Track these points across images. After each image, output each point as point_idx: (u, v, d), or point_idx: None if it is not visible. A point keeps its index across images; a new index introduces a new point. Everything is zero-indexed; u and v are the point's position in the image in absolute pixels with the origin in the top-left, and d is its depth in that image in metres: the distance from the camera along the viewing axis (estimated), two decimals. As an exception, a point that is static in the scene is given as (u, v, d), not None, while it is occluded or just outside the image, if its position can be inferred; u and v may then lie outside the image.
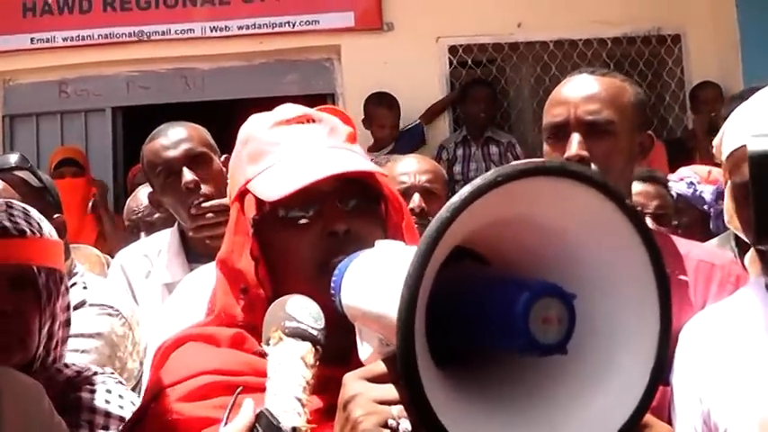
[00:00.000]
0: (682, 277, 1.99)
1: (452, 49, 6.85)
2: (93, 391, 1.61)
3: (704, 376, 1.74)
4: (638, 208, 2.98)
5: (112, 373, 1.70)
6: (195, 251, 2.64)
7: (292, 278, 1.32)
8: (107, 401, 1.67)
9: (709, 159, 4.76)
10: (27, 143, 6.81)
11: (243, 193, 1.41)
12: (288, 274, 1.34)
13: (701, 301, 1.98)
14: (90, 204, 5.80)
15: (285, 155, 1.38)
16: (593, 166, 1.96)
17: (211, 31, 6.74)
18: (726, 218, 1.85)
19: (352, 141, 1.45)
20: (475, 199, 0.96)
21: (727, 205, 1.81)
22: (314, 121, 1.43)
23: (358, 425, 1.02)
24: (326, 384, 1.19)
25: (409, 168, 2.85)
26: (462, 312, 1.04)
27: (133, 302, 2.59)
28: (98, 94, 6.91)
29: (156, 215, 3.34)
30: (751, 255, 2.09)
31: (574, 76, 2.09)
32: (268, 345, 1.17)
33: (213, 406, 1.24)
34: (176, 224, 2.79)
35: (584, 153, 1.95)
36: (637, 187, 3.12)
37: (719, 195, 3.44)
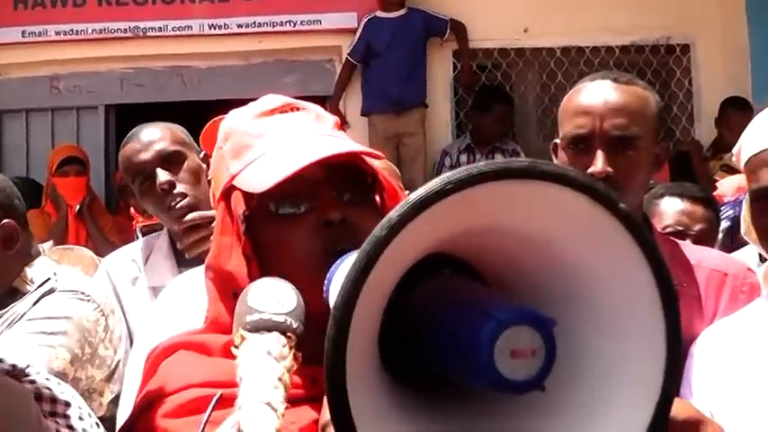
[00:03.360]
0: (691, 289, 1.95)
1: (457, 53, 6.82)
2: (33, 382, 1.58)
3: (715, 391, 1.72)
4: (680, 228, 2.92)
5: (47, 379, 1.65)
6: (185, 255, 2.55)
7: (290, 273, 1.24)
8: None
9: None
10: (16, 140, 6.83)
11: (228, 191, 1.37)
12: (284, 269, 1.27)
13: (711, 312, 1.95)
14: (77, 209, 5.73)
15: (270, 145, 1.34)
16: (615, 181, 1.91)
17: (210, 28, 6.73)
18: (743, 228, 1.87)
19: (339, 129, 1.43)
20: (419, 212, 0.86)
21: (745, 215, 1.81)
22: (298, 109, 1.41)
23: None
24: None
25: None
26: (431, 336, 0.96)
27: (108, 292, 2.55)
28: (91, 91, 6.89)
29: None
30: (765, 269, 2.12)
31: (595, 81, 2.02)
32: (237, 349, 1.10)
33: (208, 422, 1.19)
34: (165, 227, 2.73)
35: (610, 170, 1.91)
36: (681, 205, 3.10)
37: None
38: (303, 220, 1.30)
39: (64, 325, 2.19)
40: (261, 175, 1.30)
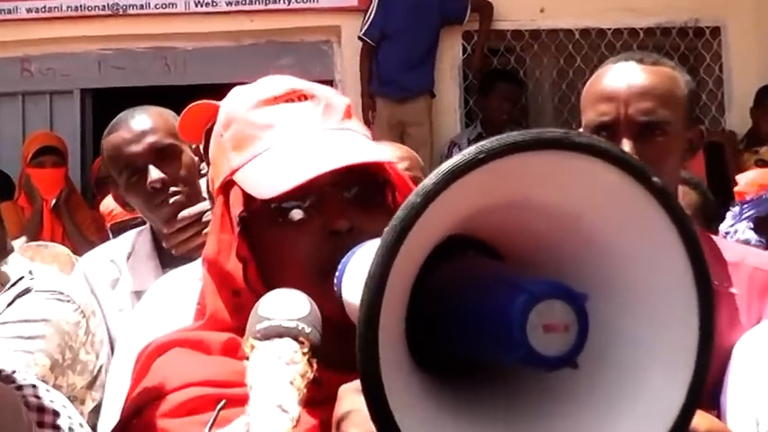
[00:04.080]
0: (732, 289, 1.96)
1: (466, 35, 6.81)
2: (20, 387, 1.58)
3: (761, 397, 1.73)
4: None
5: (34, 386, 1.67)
6: (170, 254, 2.52)
7: (291, 282, 1.25)
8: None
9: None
10: (-16, 126, 6.86)
11: (227, 183, 1.37)
12: (284, 277, 1.30)
13: (756, 314, 1.94)
14: (52, 203, 5.72)
15: (275, 141, 1.34)
16: None
17: (196, 6, 6.73)
18: None
19: (350, 117, 1.41)
20: (452, 181, 0.90)
21: None
22: (305, 97, 1.39)
23: None
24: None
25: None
26: (458, 316, 1.00)
27: (88, 292, 2.54)
28: (65, 74, 6.90)
29: None
30: None
31: (619, 63, 2.02)
32: (248, 360, 1.14)
33: (203, 422, 1.19)
34: (148, 224, 2.72)
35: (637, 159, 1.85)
36: None
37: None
38: (307, 227, 1.31)
39: (42, 328, 2.18)
40: (265, 178, 1.30)
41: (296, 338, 1.12)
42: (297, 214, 1.31)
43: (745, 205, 3.81)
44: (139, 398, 1.34)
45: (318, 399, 1.19)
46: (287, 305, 1.15)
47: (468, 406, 1.04)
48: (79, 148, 6.81)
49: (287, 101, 1.37)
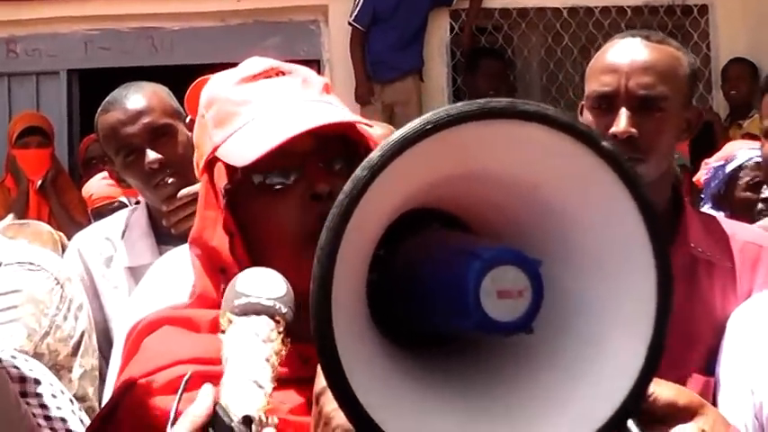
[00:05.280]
0: (725, 263, 2.01)
1: (454, 14, 6.81)
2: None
3: (756, 368, 1.75)
4: None
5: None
6: (166, 232, 2.53)
7: (276, 251, 1.32)
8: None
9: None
10: (-30, 108, 6.79)
11: (211, 161, 1.40)
12: (270, 247, 1.34)
13: (747, 286, 1.98)
14: (38, 184, 5.71)
15: (255, 114, 1.37)
16: (639, 144, 1.96)
17: None
18: None
19: (328, 92, 1.44)
20: (398, 153, 0.91)
21: None
22: (283, 73, 1.42)
23: (331, 420, 1.05)
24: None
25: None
26: (417, 287, 1.02)
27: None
28: (52, 55, 6.86)
29: None
30: None
31: (625, 38, 2.07)
32: (223, 333, 1.16)
33: (192, 399, 1.19)
34: (143, 201, 2.73)
35: (633, 130, 1.94)
36: None
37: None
38: (289, 194, 1.32)
39: (14, 299, 2.16)
40: (244, 147, 1.32)
41: (272, 317, 1.14)
42: (279, 184, 1.33)
43: (704, 189, 3.92)
44: (130, 376, 1.35)
45: (306, 377, 1.22)
46: (265, 284, 1.16)
47: (432, 375, 1.06)
48: (66, 128, 6.79)
49: (266, 77, 1.40)
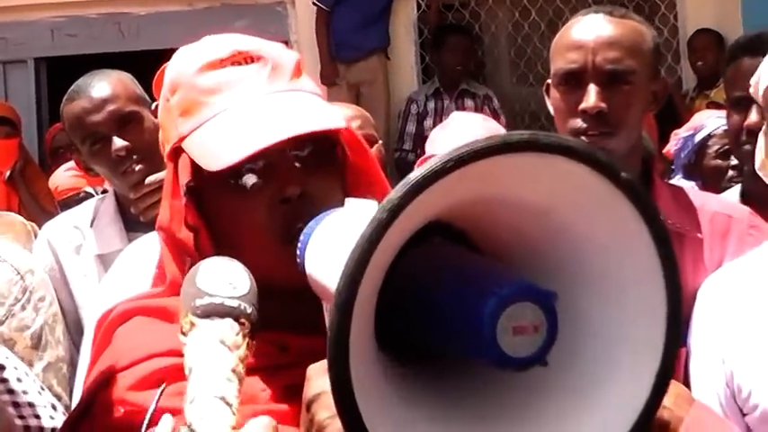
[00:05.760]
0: (695, 234, 2.03)
1: None
2: None
3: (726, 337, 1.77)
4: None
5: None
6: (134, 219, 2.55)
7: (246, 250, 1.26)
8: None
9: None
10: (-63, 99, 6.72)
11: (177, 149, 1.35)
12: (240, 245, 1.28)
13: (717, 256, 2.01)
14: (7, 175, 5.67)
15: (222, 106, 1.31)
16: (609, 118, 1.98)
17: None
18: (756, 164, 1.89)
19: (299, 75, 1.38)
20: (419, 193, 0.90)
21: (761, 149, 1.85)
22: (252, 59, 1.35)
23: (323, 429, 1.01)
24: (305, 357, 1.13)
25: None
26: (427, 311, 1.00)
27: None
28: (19, 44, 6.87)
29: None
30: None
31: (588, 15, 2.08)
32: (185, 336, 1.09)
33: (170, 393, 1.17)
34: (111, 189, 2.74)
35: (603, 105, 1.96)
36: None
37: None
38: (258, 193, 1.29)
39: None
40: (213, 148, 1.28)
41: (237, 319, 1.08)
42: (249, 179, 1.29)
43: (674, 160, 3.95)
44: (104, 370, 1.32)
45: (284, 363, 1.23)
46: (228, 279, 1.11)
47: (435, 393, 1.04)
48: (35, 117, 6.78)
49: (233, 63, 1.34)
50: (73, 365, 2.37)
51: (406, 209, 0.90)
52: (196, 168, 1.31)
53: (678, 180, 3.83)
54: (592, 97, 1.96)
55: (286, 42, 6.69)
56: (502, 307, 0.88)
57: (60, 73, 6.59)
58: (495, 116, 6.43)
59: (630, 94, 1.99)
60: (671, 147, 4.00)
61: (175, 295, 1.29)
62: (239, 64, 1.34)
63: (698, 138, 3.81)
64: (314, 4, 6.50)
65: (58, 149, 5.60)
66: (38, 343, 2.19)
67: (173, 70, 1.39)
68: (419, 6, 6.84)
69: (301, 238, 1.16)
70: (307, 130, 1.26)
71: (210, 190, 1.32)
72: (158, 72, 2.80)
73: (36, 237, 3.11)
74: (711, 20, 6.64)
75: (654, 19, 6.88)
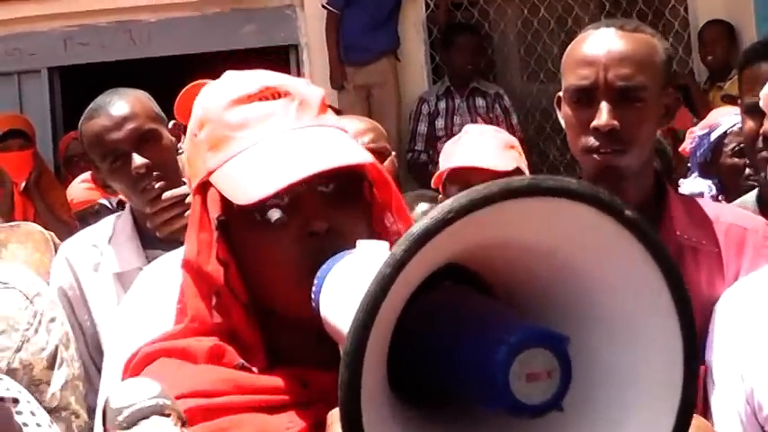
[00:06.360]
0: (710, 247, 2.01)
1: None
2: None
3: (745, 353, 1.75)
4: None
5: None
6: (151, 236, 2.58)
7: (271, 285, 1.29)
8: None
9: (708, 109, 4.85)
10: (-46, 111, 6.74)
11: (204, 184, 1.35)
12: (266, 280, 1.31)
13: (733, 269, 1.99)
14: (22, 186, 5.70)
15: (250, 141, 1.32)
16: (621, 135, 1.96)
17: None
18: None
19: (324, 110, 1.39)
20: (422, 246, 0.90)
21: None
22: (279, 95, 1.36)
23: None
24: (326, 394, 1.17)
25: (347, 131, 2.84)
26: (439, 356, 0.99)
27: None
28: (32, 54, 6.85)
29: None
30: None
31: (599, 29, 2.06)
32: None
33: None
34: (128, 206, 2.75)
35: (615, 123, 1.94)
36: None
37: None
38: (285, 229, 1.28)
39: None
40: (242, 183, 1.28)
41: (162, 413, 1.11)
42: (275, 214, 1.28)
43: (690, 158, 3.93)
44: None
45: (306, 401, 1.24)
46: (137, 389, 1.13)
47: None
48: (50, 126, 6.77)
49: (260, 99, 1.35)
50: (89, 382, 2.40)
51: (411, 261, 0.90)
52: (225, 202, 1.31)
53: (695, 179, 3.82)
54: (604, 115, 1.94)
55: (296, 46, 6.76)
56: (513, 354, 0.87)
57: (74, 81, 6.68)
58: (507, 114, 6.46)
59: (642, 110, 1.98)
60: (687, 145, 3.98)
61: (198, 333, 1.35)
62: (266, 99, 1.35)
63: (713, 136, 3.76)
64: (323, 6, 6.47)
65: (72, 158, 5.63)
66: (52, 363, 2.21)
67: (200, 106, 1.40)
68: (427, 6, 6.81)
69: (315, 281, 1.17)
70: (334, 165, 1.26)
71: (238, 224, 1.32)
72: (181, 93, 2.83)
73: (55, 245, 3.14)
74: (722, 11, 6.58)
75: (664, 12, 6.86)
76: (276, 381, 1.27)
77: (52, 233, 3.32)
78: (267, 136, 1.31)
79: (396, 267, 0.90)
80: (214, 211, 1.33)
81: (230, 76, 1.42)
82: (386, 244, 1.14)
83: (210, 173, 1.33)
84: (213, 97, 1.39)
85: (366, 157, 1.33)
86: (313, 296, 1.16)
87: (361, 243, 1.15)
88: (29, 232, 3.23)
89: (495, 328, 0.92)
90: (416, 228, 0.91)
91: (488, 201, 0.91)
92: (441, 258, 0.97)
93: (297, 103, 1.35)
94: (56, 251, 3.19)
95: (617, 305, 0.99)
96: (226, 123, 1.34)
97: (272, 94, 1.35)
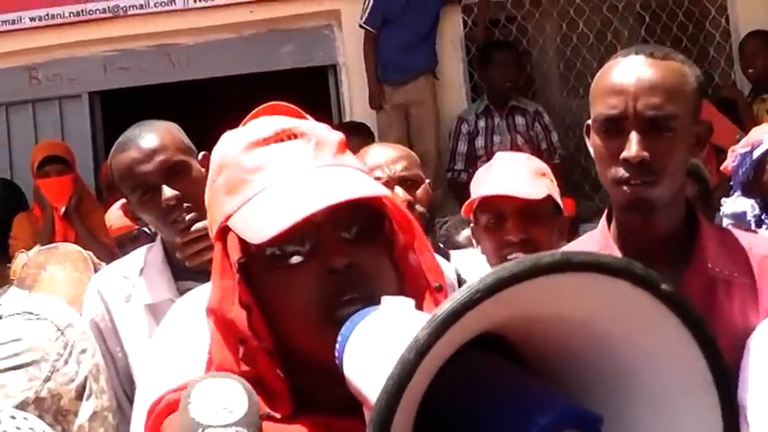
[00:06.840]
0: (742, 279, 1.97)
1: (466, 8, 6.79)
2: None
3: None
4: None
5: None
6: (182, 267, 2.59)
7: (294, 327, 1.27)
8: None
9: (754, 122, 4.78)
10: (-3, 136, 6.83)
11: (224, 229, 1.35)
12: (288, 322, 1.29)
13: (767, 302, 1.94)
14: (62, 210, 5.76)
15: (266, 182, 1.31)
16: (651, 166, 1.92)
17: (195, 1, 6.73)
18: None
19: (343, 151, 1.37)
20: (447, 328, 0.88)
21: None
22: (296, 135, 1.35)
23: None
24: None
25: (380, 159, 2.79)
26: (472, 427, 0.97)
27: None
28: (72, 79, 6.91)
29: None
30: None
31: (629, 56, 2.01)
32: None
33: None
34: (159, 238, 2.76)
35: (645, 154, 1.91)
36: None
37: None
38: (305, 268, 1.28)
39: (14, 347, 2.21)
40: (257, 222, 1.28)
41: None
42: (295, 259, 1.28)
43: (732, 177, 3.86)
44: None
45: None
46: (222, 403, 1.11)
47: None
48: (91, 150, 6.83)
49: (277, 141, 1.35)
50: (121, 413, 2.44)
51: (436, 344, 0.88)
52: (244, 245, 1.31)
53: (737, 198, 3.76)
54: (634, 146, 1.91)
55: (334, 66, 6.78)
56: None
57: (114, 105, 6.75)
58: (547, 132, 6.42)
59: (673, 140, 1.94)
60: (728, 163, 3.93)
61: None
62: (282, 140, 1.35)
63: (756, 154, 3.73)
64: (361, 26, 6.47)
65: (114, 182, 5.65)
66: (81, 393, 2.26)
67: (218, 153, 1.40)
68: (465, 23, 6.79)
69: (339, 339, 1.14)
70: (348, 197, 1.25)
71: (258, 266, 1.31)
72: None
73: (94, 264, 3.16)
74: (764, 20, 6.51)
75: (705, 23, 6.82)
76: (301, 430, 1.25)
77: (90, 252, 3.34)
78: (283, 176, 1.31)
79: (419, 353, 0.87)
80: (234, 254, 1.31)
81: (250, 122, 1.42)
82: (411, 302, 1.11)
83: (228, 217, 1.33)
84: (231, 143, 1.39)
85: (382, 191, 1.32)
86: (336, 354, 1.14)
87: (385, 300, 1.12)
88: (67, 253, 3.36)
89: (526, 406, 0.90)
90: (441, 310, 0.88)
91: (517, 279, 0.89)
92: (468, 335, 0.94)
93: (313, 143, 1.34)
94: (95, 270, 3.21)
95: (653, 377, 0.97)
96: (242, 167, 1.34)
97: (288, 135, 1.35)
